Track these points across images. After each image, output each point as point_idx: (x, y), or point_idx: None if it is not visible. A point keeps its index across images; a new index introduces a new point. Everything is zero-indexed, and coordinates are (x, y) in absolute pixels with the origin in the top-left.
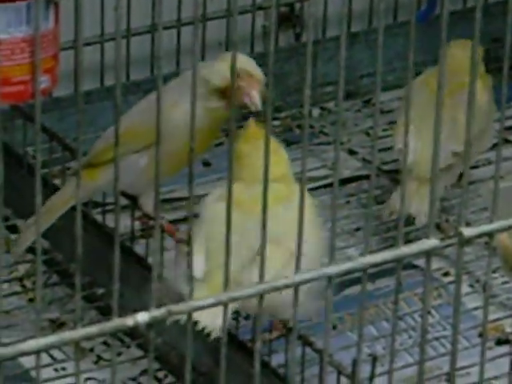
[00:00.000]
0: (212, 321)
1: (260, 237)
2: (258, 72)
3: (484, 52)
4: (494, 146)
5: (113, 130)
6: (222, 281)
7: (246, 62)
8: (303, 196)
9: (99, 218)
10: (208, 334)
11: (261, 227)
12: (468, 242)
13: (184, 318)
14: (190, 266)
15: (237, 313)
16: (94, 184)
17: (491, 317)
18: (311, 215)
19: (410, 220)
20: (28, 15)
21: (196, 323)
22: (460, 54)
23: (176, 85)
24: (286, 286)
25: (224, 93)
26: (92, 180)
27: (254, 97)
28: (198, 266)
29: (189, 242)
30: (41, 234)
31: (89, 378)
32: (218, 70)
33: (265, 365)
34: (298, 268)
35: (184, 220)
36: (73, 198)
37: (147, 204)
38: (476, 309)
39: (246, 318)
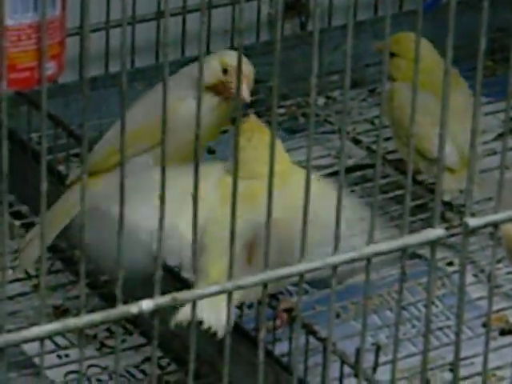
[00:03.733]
0: (217, 320)
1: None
2: (246, 66)
3: (489, 41)
4: (500, 136)
5: (111, 135)
6: (219, 274)
7: (233, 58)
8: (308, 183)
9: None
10: (214, 334)
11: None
12: (473, 232)
13: (186, 322)
14: (194, 255)
15: (241, 302)
16: (97, 193)
17: (495, 307)
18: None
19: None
20: (35, 1)
21: (201, 323)
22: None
23: (179, 80)
24: (290, 275)
25: (216, 89)
26: (94, 188)
27: (243, 90)
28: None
29: (194, 231)
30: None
31: (92, 365)
32: (208, 68)
33: (268, 353)
34: (302, 256)
35: None
36: (75, 208)
37: None
38: (480, 299)
39: (250, 306)
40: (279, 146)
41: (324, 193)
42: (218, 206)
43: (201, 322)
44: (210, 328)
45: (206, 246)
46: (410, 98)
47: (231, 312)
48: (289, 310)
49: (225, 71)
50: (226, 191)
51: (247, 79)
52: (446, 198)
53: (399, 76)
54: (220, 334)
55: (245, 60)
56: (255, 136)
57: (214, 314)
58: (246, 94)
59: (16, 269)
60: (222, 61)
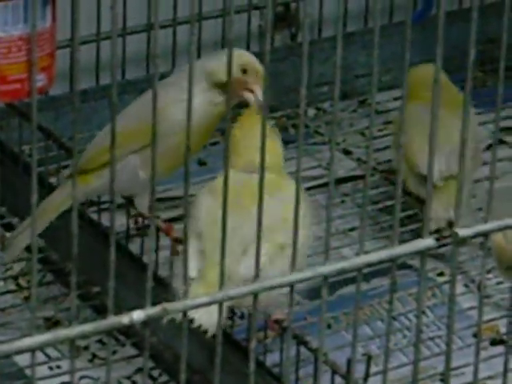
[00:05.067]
0: (208, 318)
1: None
2: (262, 68)
3: (479, 53)
4: (490, 147)
5: (103, 135)
6: (217, 278)
7: (253, 58)
8: (298, 196)
9: (94, 216)
10: (205, 332)
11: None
12: (463, 242)
13: (180, 315)
14: (185, 265)
15: (232, 312)
16: (87, 188)
17: (486, 317)
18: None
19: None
20: (25, 13)
21: (192, 321)
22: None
23: (175, 80)
24: (281, 285)
25: (225, 86)
26: (85, 185)
27: (258, 95)
28: (191, 264)
29: (185, 241)
30: (35, 234)
31: (83, 377)
32: (223, 64)
33: (259, 364)
34: (293, 267)
35: (179, 219)
36: (66, 200)
37: (142, 204)
38: (470, 309)
39: (241, 317)
40: (274, 136)
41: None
42: (214, 210)
43: (191, 321)
44: (200, 326)
45: (204, 248)
46: (411, 112)
47: (222, 317)
48: (280, 321)
49: (244, 71)
50: (218, 192)
51: (262, 83)
52: (432, 228)
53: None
54: (211, 331)
55: (256, 59)
56: (255, 127)
57: (206, 313)
58: (260, 98)
59: (5, 253)
60: (242, 59)
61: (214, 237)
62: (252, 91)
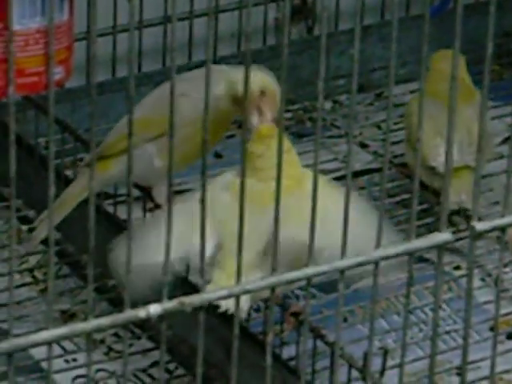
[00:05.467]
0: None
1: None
2: (279, 94)
3: (496, 46)
4: (506, 140)
5: (125, 122)
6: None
7: (272, 81)
8: (315, 188)
9: (111, 209)
10: (231, 316)
11: (272, 221)
12: (480, 235)
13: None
14: (202, 257)
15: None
16: (106, 175)
17: (502, 311)
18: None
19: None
20: (43, 6)
21: (217, 307)
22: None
23: (188, 74)
24: (299, 279)
25: (239, 102)
26: (104, 171)
27: (267, 118)
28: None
29: (202, 233)
30: (54, 226)
31: (100, 370)
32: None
33: (276, 357)
34: (310, 261)
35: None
36: (85, 190)
37: (160, 195)
38: (487, 303)
39: (257, 310)
40: (293, 151)
41: (335, 198)
42: (233, 205)
43: (217, 306)
44: (227, 311)
45: (222, 242)
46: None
47: (237, 313)
48: (296, 315)
49: (262, 93)
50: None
51: (276, 107)
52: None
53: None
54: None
55: (275, 82)
56: (273, 142)
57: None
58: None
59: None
60: (263, 82)
61: (232, 229)
62: (262, 113)
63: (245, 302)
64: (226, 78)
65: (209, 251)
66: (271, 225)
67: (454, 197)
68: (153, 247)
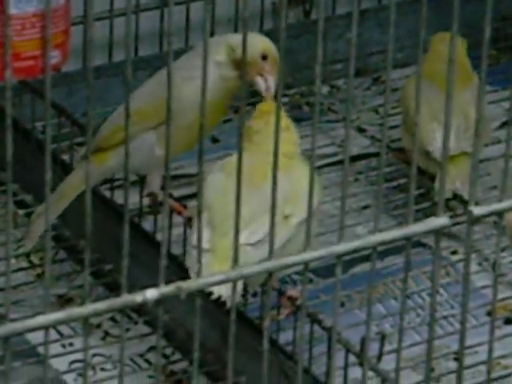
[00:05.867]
0: (227, 290)
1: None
2: (276, 56)
3: (493, 30)
4: (504, 125)
5: (120, 112)
6: (228, 249)
7: (272, 45)
8: (312, 172)
9: (107, 194)
10: (223, 303)
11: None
12: (477, 220)
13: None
14: (199, 243)
15: (245, 290)
16: (104, 167)
17: (499, 296)
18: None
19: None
20: None
21: (210, 293)
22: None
23: (188, 59)
24: (296, 264)
25: (241, 66)
26: (102, 163)
27: (270, 86)
28: (204, 237)
29: (198, 219)
30: (50, 214)
31: (96, 354)
32: (249, 43)
33: (273, 342)
34: (307, 245)
35: (192, 196)
36: (82, 183)
37: (154, 183)
38: (484, 287)
39: (254, 295)
40: (292, 129)
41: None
42: (224, 184)
43: (210, 293)
44: (219, 298)
45: (213, 224)
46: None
47: (234, 298)
48: (293, 299)
49: (264, 57)
50: (231, 169)
51: (276, 71)
52: (437, 199)
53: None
54: (229, 303)
55: (274, 47)
56: (272, 119)
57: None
58: (271, 90)
59: (24, 241)
60: (264, 46)
61: (222, 209)
62: (266, 79)
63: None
64: (227, 44)
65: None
66: (263, 202)
67: (448, 184)
68: None
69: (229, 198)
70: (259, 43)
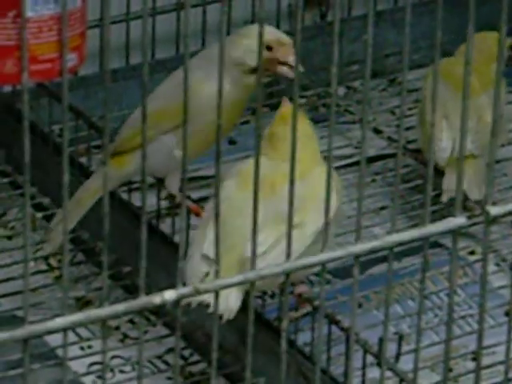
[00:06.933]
0: (223, 303)
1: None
2: (287, 38)
3: (509, 30)
4: None
5: (137, 115)
6: (231, 262)
7: (273, 33)
8: (329, 174)
9: (125, 196)
10: (220, 317)
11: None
12: (494, 220)
13: (197, 300)
14: (216, 245)
15: (263, 291)
16: (122, 172)
17: None
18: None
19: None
20: None
21: (207, 306)
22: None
23: (201, 62)
24: (313, 265)
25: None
26: (120, 167)
27: (293, 62)
28: (210, 248)
29: (216, 220)
30: (69, 217)
31: (115, 356)
32: (249, 50)
33: (291, 343)
34: (324, 246)
35: (209, 198)
36: (101, 189)
37: (172, 184)
38: (502, 288)
39: (272, 296)
40: (315, 138)
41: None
42: (235, 195)
43: (207, 305)
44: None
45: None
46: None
47: (252, 300)
48: (306, 298)
49: (268, 48)
50: (244, 178)
51: (292, 50)
52: (444, 199)
53: None
54: (226, 317)
55: (282, 33)
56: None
57: (221, 297)
58: (295, 65)
59: (45, 246)
60: (276, 33)
61: (230, 221)
62: (285, 63)
63: (235, 300)
64: (229, 61)
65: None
66: (271, 212)
67: (454, 185)
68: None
69: (236, 210)
70: (271, 32)
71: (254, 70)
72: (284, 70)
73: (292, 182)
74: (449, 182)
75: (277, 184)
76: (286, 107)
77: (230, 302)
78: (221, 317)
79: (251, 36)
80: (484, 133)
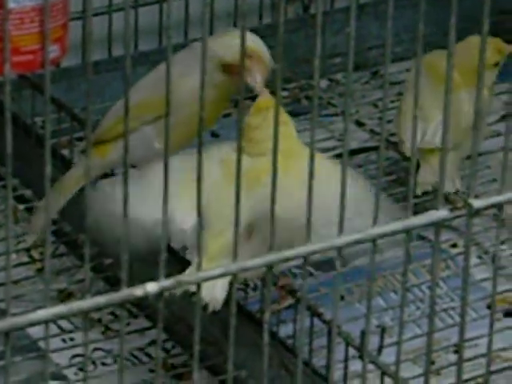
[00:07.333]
0: (209, 293)
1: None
2: (267, 55)
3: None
4: (504, 118)
5: (120, 105)
6: (217, 250)
7: (257, 43)
8: (312, 167)
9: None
10: (205, 307)
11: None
12: (477, 213)
13: (180, 291)
14: (198, 238)
15: (245, 284)
16: (104, 161)
17: (499, 288)
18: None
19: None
20: None
21: (192, 295)
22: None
23: (184, 56)
24: (296, 257)
25: (230, 68)
26: (102, 157)
27: (258, 82)
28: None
29: (198, 213)
30: (51, 208)
31: (97, 349)
32: (229, 46)
33: (273, 336)
34: (308, 239)
35: None
36: (83, 177)
37: None
38: (484, 280)
39: (254, 288)
40: (290, 124)
41: (333, 175)
42: (221, 184)
43: (192, 294)
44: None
45: (206, 222)
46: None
47: (234, 292)
48: (289, 289)
49: (248, 56)
50: (230, 169)
51: (265, 69)
52: (418, 192)
53: None
54: (211, 307)
55: (262, 45)
56: (270, 115)
57: (207, 288)
58: (259, 86)
59: (28, 239)
60: (247, 45)
61: (215, 209)
62: (254, 78)
63: (221, 291)
64: (224, 39)
65: (190, 223)
66: (260, 201)
67: (429, 178)
68: (136, 202)
69: (222, 199)
70: (237, 43)
71: (226, 69)
72: (251, 82)
73: (275, 174)
74: (424, 175)
75: (260, 176)
76: (263, 98)
77: (216, 293)
78: (206, 307)
79: (234, 36)
80: (458, 126)
